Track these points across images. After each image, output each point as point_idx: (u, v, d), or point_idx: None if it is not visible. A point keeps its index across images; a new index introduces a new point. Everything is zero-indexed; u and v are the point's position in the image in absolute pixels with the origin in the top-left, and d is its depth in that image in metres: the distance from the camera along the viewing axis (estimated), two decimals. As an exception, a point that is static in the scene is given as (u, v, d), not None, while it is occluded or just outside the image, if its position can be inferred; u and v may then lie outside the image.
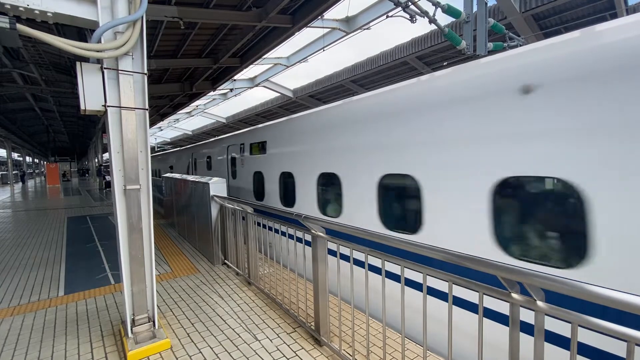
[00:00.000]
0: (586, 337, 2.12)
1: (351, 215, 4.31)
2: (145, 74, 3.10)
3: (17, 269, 5.58)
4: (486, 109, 2.86)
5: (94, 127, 23.46)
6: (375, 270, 2.78)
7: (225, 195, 5.46)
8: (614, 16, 7.91)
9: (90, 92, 2.90)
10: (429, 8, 5.80)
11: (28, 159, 48.97)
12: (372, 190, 3.95)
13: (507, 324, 1.70)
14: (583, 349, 2.25)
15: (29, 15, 2.63)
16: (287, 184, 5.78)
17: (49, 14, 2.65)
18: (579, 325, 1.38)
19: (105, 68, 2.88)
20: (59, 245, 7.21)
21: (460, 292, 2.83)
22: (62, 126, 25.85)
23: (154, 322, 3.25)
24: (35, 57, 9.48)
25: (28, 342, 3.27)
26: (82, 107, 2.89)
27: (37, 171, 57.89)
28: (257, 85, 17.21)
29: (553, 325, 2.16)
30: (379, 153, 3.89)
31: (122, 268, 3.06)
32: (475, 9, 6.06)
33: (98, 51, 2.77)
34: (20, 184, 34.21)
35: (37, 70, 10.22)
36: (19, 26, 2.43)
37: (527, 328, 1.73)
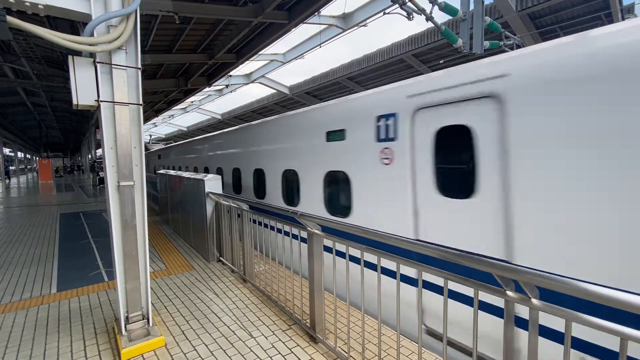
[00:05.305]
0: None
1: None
2: (139, 68, 3.05)
3: (9, 266, 5.51)
4: None
5: (87, 122, 23.17)
6: (372, 267, 2.79)
7: (220, 192, 5.42)
8: (609, 16, 7.96)
9: (83, 87, 2.85)
10: (426, 5, 5.81)
11: (20, 154, 48.30)
12: None
13: (502, 317, 1.71)
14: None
15: (20, 7, 2.58)
16: None
17: (40, 6, 2.59)
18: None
19: (98, 62, 2.83)
20: (51, 242, 7.11)
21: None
22: (55, 121, 25.52)
23: (148, 319, 3.22)
24: (27, 51, 9.30)
25: (20, 340, 3.23)
26: (75, 102, 2.85)
27: (29, 167, 57.08)
28: (253, 82, 17.13)
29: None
30: None
31: (116, 265, 3.03)
32: (472, 7, 6.07)
33: (91, 45, 2.72)
34: (6, 180, 31.08)
35: (28, 64, 10.04)
36: (9, 18, 2.37)
37: (524, 322, 1.74)
